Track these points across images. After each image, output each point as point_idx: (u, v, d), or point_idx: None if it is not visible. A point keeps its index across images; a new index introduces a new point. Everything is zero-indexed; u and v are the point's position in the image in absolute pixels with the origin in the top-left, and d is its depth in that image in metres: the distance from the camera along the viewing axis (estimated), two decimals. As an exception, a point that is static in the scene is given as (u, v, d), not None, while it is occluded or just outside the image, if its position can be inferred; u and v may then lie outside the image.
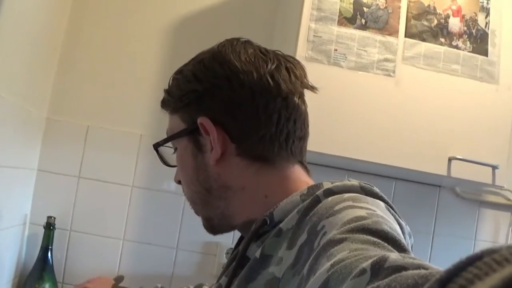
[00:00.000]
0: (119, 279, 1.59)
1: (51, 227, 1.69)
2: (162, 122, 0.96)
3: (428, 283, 0.30)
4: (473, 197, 1.98)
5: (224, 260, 1.82)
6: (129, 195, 1.85)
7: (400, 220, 0.68)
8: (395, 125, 1.55)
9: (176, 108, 0.86)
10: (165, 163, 0.94)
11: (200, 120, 0.81)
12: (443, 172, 1.56)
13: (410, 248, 0.69)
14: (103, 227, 1.83)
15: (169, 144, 0.90)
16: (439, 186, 1.96)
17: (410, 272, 0.36)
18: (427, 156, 1.56)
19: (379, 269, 0.40)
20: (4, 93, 1.38)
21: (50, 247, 1.69)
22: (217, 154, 0.80)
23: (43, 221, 1.69)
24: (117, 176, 1.84)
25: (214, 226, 0.88)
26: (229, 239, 1.80)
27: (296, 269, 0.63)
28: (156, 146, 0.90)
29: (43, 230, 1.69)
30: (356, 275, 0.41)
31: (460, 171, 1.57)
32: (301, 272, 0.59)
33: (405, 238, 0.65)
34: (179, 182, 0.91)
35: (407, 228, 0.71)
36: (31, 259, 1.71)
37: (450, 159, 1.56)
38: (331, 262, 0.47)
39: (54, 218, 1.70)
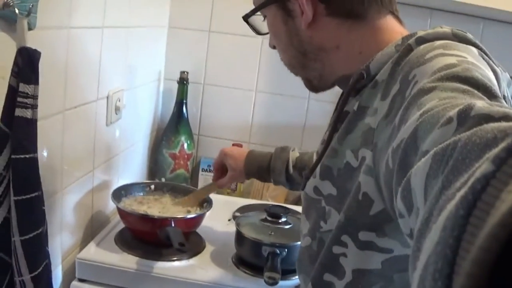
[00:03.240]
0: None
1: (185, 82, 1.78)
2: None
3: (507, 139, 0.30)
4: None
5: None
6: (260, 47, 1.85)
7: (495, 67, 0.66)
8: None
9: None
10: (258, 32, 0.95)
11: None
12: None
13: (507, 94, 0.67)
14: (236, 79, 1.88)
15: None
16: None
17: (491, 125, 0.35)
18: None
19: (465, 117, 0.39)
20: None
21: (184, 101, 1.79)
22: (308, 18, 0.80)
23: (177, 76, 1.78)
24: (247, 28, 1.84)
25: (314, 86, 0.91)
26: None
27: (389, 119, 0.64)
28: (246, 18, 0.91)
29: (177, 85, 1.78)
30: (443, 124, 0.41)
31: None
32: (393, 122, 0.60)
33: (500, 85, 0.63)
34: (274, 47, 0.93)
35: (505, 75, 0.68)
36: (167, 113, 1.84)
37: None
38: (421, 111, 0.48)
39: (187, 72, 1.78)
